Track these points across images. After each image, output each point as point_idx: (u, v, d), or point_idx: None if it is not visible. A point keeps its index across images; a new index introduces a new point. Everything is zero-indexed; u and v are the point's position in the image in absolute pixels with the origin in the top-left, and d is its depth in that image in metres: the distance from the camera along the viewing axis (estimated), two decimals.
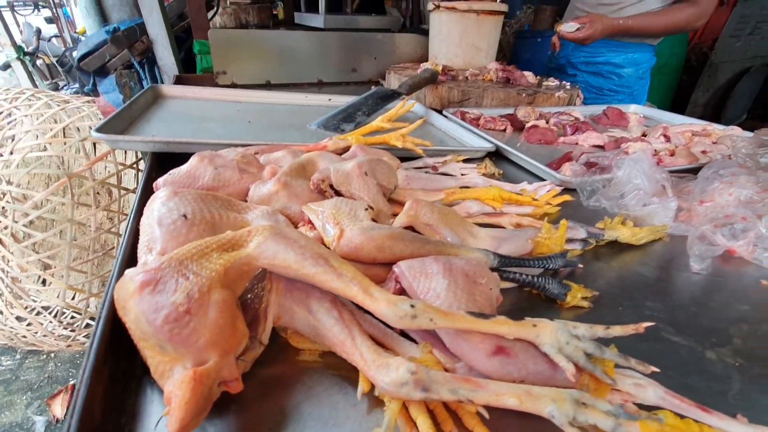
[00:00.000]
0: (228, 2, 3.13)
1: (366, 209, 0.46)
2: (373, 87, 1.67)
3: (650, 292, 0.48)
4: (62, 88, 2.78)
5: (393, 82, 1.43)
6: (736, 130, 1.03)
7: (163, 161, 0.68)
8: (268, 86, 1.54)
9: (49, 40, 3.21)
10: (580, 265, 0.50)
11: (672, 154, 0.91)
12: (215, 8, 1.80)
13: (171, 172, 0.55)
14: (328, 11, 2.07)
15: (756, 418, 0.32)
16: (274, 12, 3.19)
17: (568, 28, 1.33)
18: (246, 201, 0.54)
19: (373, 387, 0.32)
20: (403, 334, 0.37)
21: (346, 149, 0.69)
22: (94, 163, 1.33)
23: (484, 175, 0.78)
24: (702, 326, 0.42)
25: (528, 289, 0.46)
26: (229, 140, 0.69)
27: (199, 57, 1.47)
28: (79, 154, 1.44)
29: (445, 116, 1.07)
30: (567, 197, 0.64)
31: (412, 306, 0.31)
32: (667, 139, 0.99)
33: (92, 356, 0.31)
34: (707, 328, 0.42)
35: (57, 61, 2.77)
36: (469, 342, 0.31)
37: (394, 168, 0.59)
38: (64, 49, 3.40)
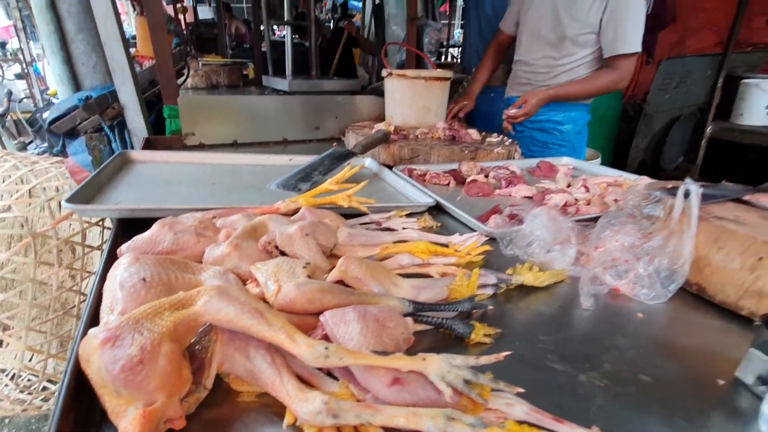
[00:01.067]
0: (200, 65, 3.31)
1: (304, 267, 0.54)
2: (334, 144, 1.81)
3: (546, 327, 0.57)
4: (29, 144, 2.81)
5: (351, 140, 1.56)
6: (643, 180, 1.19)
7: (129, 224, 0.74)
8: (234, 145, 1.65)
9: (20, 101, 3.26)
10: (491, 307, 0.60)
11: (588, 203, 1.05)
12: (186, 75, 1.92)
13: (134, 238, 0.63)
14: (294, 75, 2.25)
15: (611, 429, 0.40)
16: (245, 72, 3.38)
17: (511, 111, 1.54)
18: (201, 262, 0.61)
19: (296, 418, 0.38)
20: (330, 373, 0.44)
21: (297, 210, 0.78)
22: (59, 223, 1.37)
23: (423, 228, 0.88)
24: (581, 354, 0.52)
25: (442, 330, 0.54)
26: (191, 205, 0.77)
27: (169, 120, 1.56)
28: (43, 213, 1.46)
29: (395, 173, 1.19)
30: (486, 247, 0.74)
31: (326, 348, 0.38)
32: (587, 189, 1.14)
33: (60, 404, 0.36)
34: (585, 355, 0.51)
35: (27, 121, 2.81)
36: (374, 375, 0.39)
37: (335, 228, 0.69)
38: (34, 108, 3.45)
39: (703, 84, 3.69)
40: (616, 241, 0.70)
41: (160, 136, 1.56)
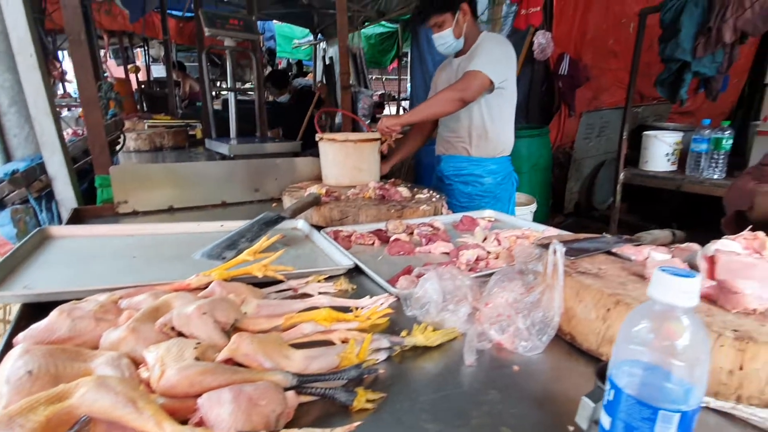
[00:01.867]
0: (146, 126, 3.32)
1: (195, 347, 0.57)
2: (274, 205, 1.85)
3: (428, 386, 0.62)
4: None
5: (286, 202, 1.62)
6: (550, 231, 1.31)
7: (37, 307, 0.74)
8: (170, 211, 1.66)
9: None
10: (381, 371, 0.64)
11: (497, 257, 1.14)
12: (122, 144, 1.94)
13: (31, 327, 0.63)
14: (238, 136, 2.32)
15: None
16: (192, 133, 3.43)
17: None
18: (99, 348, 0.62)
19: None
20: None
21: (209, 284, 0.81)
22: None
23: (338, 291, 0.93)
24: (454, 411, 0.56)
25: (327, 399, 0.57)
26: (101, 285, 0.78)
27: (100, 189, 1.56)
28: None
29: (323, 236, 1.24)
30: (388, 310, 0.79)
31: None
32: (499, 242, 1.24)
33: None
34: (457, 412, 0.56)
35: None
36: None
37: (238, 303, 0.72)
38: None
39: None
40: (502, 297, 0.78)
41: (90, 206, 1.55)
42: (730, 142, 2.27)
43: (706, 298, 0.66)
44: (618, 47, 3.90)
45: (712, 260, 0.68)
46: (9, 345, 0.64)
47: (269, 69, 9.40)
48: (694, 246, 0.86)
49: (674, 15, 2.12)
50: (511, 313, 0.75)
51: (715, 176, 2.31)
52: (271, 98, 4.50)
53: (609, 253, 0.89)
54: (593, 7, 3.69)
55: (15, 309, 1.39)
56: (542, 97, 4.03)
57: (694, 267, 0.72)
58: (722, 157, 2.28)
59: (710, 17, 1.99)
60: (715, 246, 0.70)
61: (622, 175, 2.72)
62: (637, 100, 4.21)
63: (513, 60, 1.80)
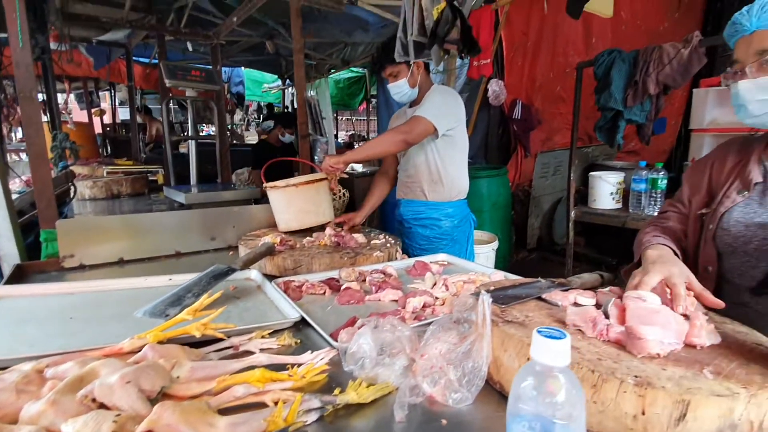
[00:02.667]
0: (104, 173, 3.27)
1: (114, 420, 0.56)
2: (231, 254, 1.84)
3: None
4: None
5: (242, 252, 1.62)
6: (496, 275, 1.36)
7: None
8: (120, 263, 1.62)
9: None
10: None
11: (443, 304, 1.17)
12: (72, 195, 1.91)
13: None
14: (198, 181, 2.32)
15: None
16: (153, 178, 3.39)
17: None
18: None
19: None
20: None
21: (143, 347, 0.79)
22: None
23: (282, 346, 0.93)
24: None
25: None
26: (24, 354, 0.75)
27: (45, 244, 1.52)
28: None
29: (273, 287, 1.25)
30: (324, 367, 0.80)
31: None
32: (447, 288, 1.28)
33: None
34: None
35: None
36: None
37: (168, 368, 0.71)
38: None
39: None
40: (436, 348, 0.80)
41: (33, 262, 1.50)
42: (665, 181, 2.46)
43: (617, 343, 0.71)
44: (565, 93, 4.21)
45: (622, 308, 0.74)
46: None
47: (241, 112, 9.50)
48: (616, 290, 0.92)
49: (605, 69, 2.35)
50: (443, 364, 0.77)
51: (656, 213, 2.48)
52: (264, 137, 4.54)
53: (539, 299, 0.94)
54: (540, 58, 4.01)
55: None
56: (499, 139, 4.26)
57: (608, 313, 0.77)
58: (660, 195, 2.46)
59: (636, 72, 2.21)
60: (627, 293, 0.76)
61: (573, 213, 2.87)
62: (585, 141, 4.52)
63: (460, 110, 1.91)
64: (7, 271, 1.56)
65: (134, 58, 4.46)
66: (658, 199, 2.50)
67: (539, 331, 0.43)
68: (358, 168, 5.39)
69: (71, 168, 2.44)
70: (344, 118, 13.82)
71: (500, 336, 0.76)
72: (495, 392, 0.77)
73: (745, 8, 0.88)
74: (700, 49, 2.13)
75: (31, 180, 1.43)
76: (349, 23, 3.34)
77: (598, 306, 0.87)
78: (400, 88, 1.92)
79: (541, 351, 0.42)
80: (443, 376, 0.75)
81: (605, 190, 2.79)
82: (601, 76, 2.42)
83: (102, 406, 0.61)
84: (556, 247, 4.51)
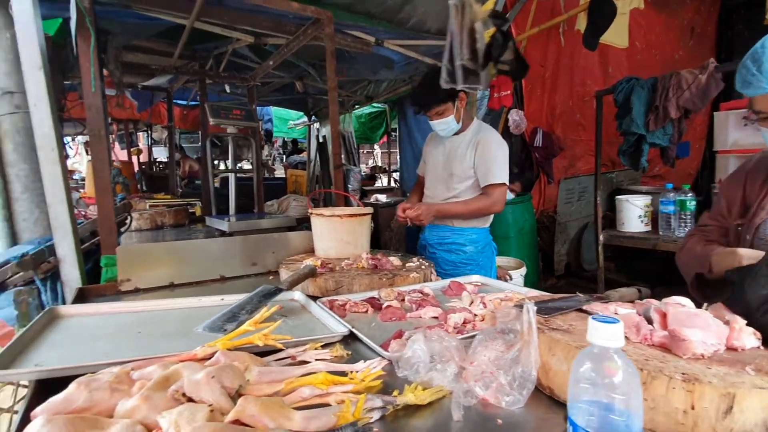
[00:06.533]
0: (147, 206, 3.47)
1: (205, 411, 0.62)
2: (271, 278, 1.93)
3: None
4: None
5: (283, 275, 1.70)
6: (531, 292, 1.40)
7: (48, 383, 0.79)
8: (171, 287, 1.72)
9: None
10: (376, 429, 0.69)
11: (483, 320, 1.21)
12: (128, 225, 2.05)
13: (49, 400, 0.68)
14: (237, 212, 2.45)
15: None
16: (192, 210, 3.58)
17: (406, 211, 1.93)
18: (114, 416, 0.67)
19: None
20: None
21: (214, 354, 0.86)
22: None
23: (334, 357, 0.98)
24: None
25: None
26: (109, 360, 0.83)
27: (105, 269, 1.64)
28: None
29: (319, 305, 1.31)
30: (380, 372, 0.85)
31: None
32: (485, 305, 1.32)
33: None
34: None
35: None
36: None
37: (242, 370, 0.78)
38: None
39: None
40: (484, 355, 0.85)
41: (93, 285, 1.62)
42: (694, 203, 2.45)
43: (661, 346, 0.74)
44: (585, 121, 4.29)
45: (663, 313, 0.78)
46: (25, 420, 0.69)
47: (269, 148, 9.91)
48: (653, 301, 0.95)
49: (625, 96, 2.42)
50: (494, 369, 0.81)
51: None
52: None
53: (580, 310, 0.98)
54: (558, 88, 4.13)
55: (22, 393, 1.40)
56: (522, 167, 4.32)
57: (649, 319, 0.81)
58: (689, 217, 2.46)
59: (655, 97, 2.28)
60: (666, 300, 0.80)
61: (601, 237, 2.87)
62: (609, 166, 4.53)
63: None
64: (68, 294, 1.68)
65: (173, 100, 4.80)
66: (688, 221, 2.49)
67: (594, 318, 0.48)
68: (383, 198, 5.52)
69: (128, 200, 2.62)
70: (365, 151, 14.21)
71: (547, 342, 0.80)
72: (545, 396, 0.80)
73: (751, 65, 0.94)
74: (716, 74, 2.19)
75: (97, 210, 1.57)
76: (374, 62, 3.56)
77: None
78: (447, 125, 2.00)
79: (598, 334, 0.47)
80: (494, 380, 0.79)
81: (633, 214, 2.80)
82: (622, 103, 2.49)
83: (190, 400, 0.68)
84: (584, 273, 4.44)
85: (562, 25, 3.67)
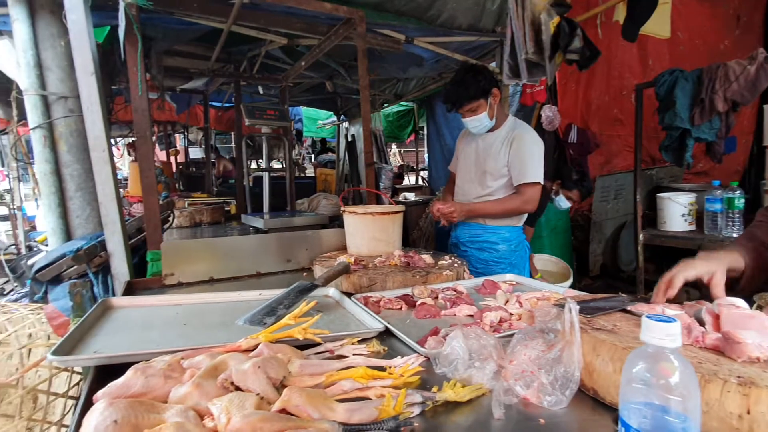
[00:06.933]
0: (186, 204, 3.61)
1: (253, 400, 0.65)
2: (304, 275, 1.97)
3: None
4: (9, 293, 2.86)
5: (317, 271, 1.73)
6: (570, 292, 1.36)
7: (104, 368, 0.84)
8: (210, 281, 1.79)
9: (6, 249, 3.41)
10: (416, 424, 0.70)
11: (519, 319, 1.20)
12: (170, 222, 2.15)
13: (109, 385, 0.73)
14: (271, 210, 2.52)
15: None
16: (227, 209, 3.70)
17: (441, 207, 1.90)
18: (167, 401, 0.71)
19: None
20: None
21: (257, 346, 0.90)
22: (29, 370, 1.39)
23: (371, 352, 1.00)
24: None
25: None
26: (160, 349, 0.88)
27: (151, 263, 1.72)
28: (11, 361, 1.47)
29: (353, 301, 1.33)
30: (418, 368, 0.86)
31: None
32: (521, 304, 1.30)
33: None
34: None
35: (9, 267, 2.91)
36: None
37: (286, 362, 0.80)
38: (17, 253, 3.58)
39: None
40: (524, 354, 0.84)
41: (140, 279, 1.70)
42: (743, 201, 2.32)
43: (714, 349, 0.71)
44: (622, 116, 4.12)
45: (716, 314, 0.74)
46: (88, 403, 0.74)
47: (299, 147, 10.10)
48: (705, 303, 0.91)
49: (668, 89, 2.31)
50: (534, 369, 0.80)
51: (735, 234, 2.33)
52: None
53: (624, 311, 0.95)
54: (594, 82, 3.99)
55: (75, 379, 1.49)
56: (555, 164, 4.21)
57: (701, 321, 0.77)
58: (737, 216, 2.32)
59: (701, 90, 2.16)
60: (718, 301, 0.76)
61: (641, 237, 2.76)
62: (649, 162, 4.34)
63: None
64: (118, 287, 1.78)
65: (209, 102, 4.96)
66: (736, 220, 2.35)
67: (649, 317, 0.47)
68: (411, 197, 5.51)
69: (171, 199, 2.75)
70: (392, 150, 14.23)
71: (591, 342, 0.78)
72: (588, 398, 0.78)
73: None
74: (766, 65, 2.06)
75: (143, 207, 1.65)
76: (404, 60, 3.55)
77: None
78: (480, 122, 1.96)
79: (653, 333, 0.46)
80: (535, 379, 0.78)
81: (676, 212, 2.67)
82: (664, 96, 2.38)
83: (237, 389, 0.71)
84: (621, 274, 4.28)
85: (600, 16, 3.54)
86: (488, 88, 1.90)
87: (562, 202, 2.88)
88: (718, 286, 0.92)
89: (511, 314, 1.22)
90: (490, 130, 2.02)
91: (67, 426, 1.43)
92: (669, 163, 4.45)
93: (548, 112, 3.71)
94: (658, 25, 4.18)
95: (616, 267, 4.34)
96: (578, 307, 0.82)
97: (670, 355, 0.45)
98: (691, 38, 4.47)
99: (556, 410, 0.74)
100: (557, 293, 1.38)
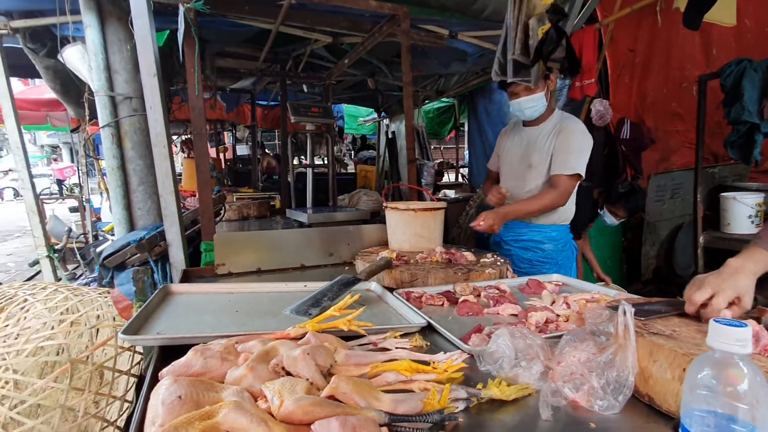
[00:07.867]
0: (234, 198, 3.77)
1: (303, 385, 0.68)
2: (346, 269, 2.01)
3: None
4: (80, 277, 3.13)
5: (359, 266, 1.76)
6: (621, 295, 1.30)
7: (165, 349, 0.91)
8: (258, 272, 1.87)
9: (77, 238, 3.73)
10: (460, 419, 0.70)
11: (567, 320, 1.16)
12: (221, 216, 2.26)
13: (172, 363, 0.79)
14: (314, 205, 2.59)
15: None
16: (273, 203, 3.84)
17: (476, 226, 1.77)
18: (223, 382, 0.75)
19: None
20: None
21: (305, 335, 0.93)
22: (97, 348, 1.51)
23: (414, 347, 1.01)
24: None
25: None
26: (216, 333, 0.93)
27: (204, 254, 1.83)
28: (81, 339, 1.61)
29: (395, 296, 1.35)
30: (462, 364, 0.86)
31: None
32: (568, 305, 1.26)
33: None
34: None
35: (80, 254, 3.19)
36: None
37: (332, 351, 0.83)
38: (85, 243, 3.90)
39: None
40: (574, 356, 0.82)
41: (195, 268, 1.81)
42: None
43: None
44: (682, 110, 3.85)
45: None
46: (154, 380, 0.80)
47: (341, 144, 10.28)
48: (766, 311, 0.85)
49: (735, 80, 2.13)
50: (585, 371, 0.78)
51: None
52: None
53: (682, 315, 0.89)
54: (650, 74, 3.75)
55: (137, 359, 1.61)
56: (605, 161, 4.01)
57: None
58: None
59: None
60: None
61: (701, 239, 2.57)
62: (711, 160, 4.03)
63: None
64: (175, 275, 1.90)
65: (256, 101, 5.16)
66: None
67: (718, 321, 0.45)
68: (451, 194, 5.45)
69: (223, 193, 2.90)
70: (432, 147, 14.11)
71: (647, 347, 0.75)
72: (642, 404, 0.75)
73: None
74: None
75: (198, 200, 1.75)
76: (446, 56, 3.51)
77: None
78: (536, 102, 1.86)
79: (721, 338, 0.44)
80: (585, 382, 0.76)
81: (742, 213, 2.46)
82: (730, 88, 2.20)
83: (287, 374, 0.75)
84: (677, 278, 4.01)
85: (659, 2, 3.31)
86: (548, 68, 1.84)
87: (607, 218, 2.69)
88: (715, 311, 0.84)
89: (558, 315, 1.19)
90: (536, 123, 1.95)
91: (129, 401, 1.54)
92: (734, 161, 4.11)
93: (599, 106, 3.53)
94: (723, 11, 3.84)
95: (671, 271, 4.08)
96: (633, 309, 0.79)
97: (740, 361, 0.43)
98: (759, 26, 4.07)
99: (607, 415, 0.72)
100: (608, 295, 1.32)
